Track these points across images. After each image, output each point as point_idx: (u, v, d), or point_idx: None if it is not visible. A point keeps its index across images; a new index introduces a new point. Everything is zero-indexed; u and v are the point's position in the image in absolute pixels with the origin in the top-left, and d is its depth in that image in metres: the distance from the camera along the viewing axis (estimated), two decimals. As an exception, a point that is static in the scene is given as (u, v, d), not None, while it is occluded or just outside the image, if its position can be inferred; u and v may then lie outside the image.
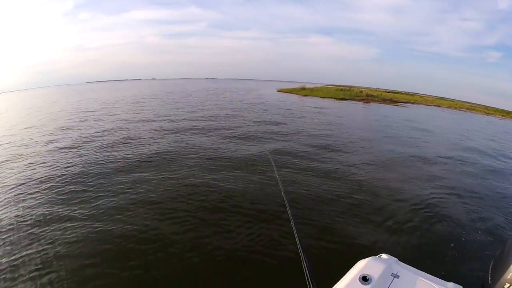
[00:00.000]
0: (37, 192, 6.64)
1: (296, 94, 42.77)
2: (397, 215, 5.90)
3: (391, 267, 1.57)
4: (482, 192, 7.82)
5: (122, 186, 6.84)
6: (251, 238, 4.86)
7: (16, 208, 5.88)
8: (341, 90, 48.36)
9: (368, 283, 1.41)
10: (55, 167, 8.30)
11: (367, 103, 36.16)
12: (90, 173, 7.73)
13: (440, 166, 10.22)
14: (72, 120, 17.03)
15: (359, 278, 1.44)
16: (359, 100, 38.03)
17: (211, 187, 6.83)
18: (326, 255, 4.40)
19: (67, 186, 6.88)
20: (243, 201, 6.11)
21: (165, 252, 4.41)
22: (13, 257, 4.26)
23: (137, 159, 8.88)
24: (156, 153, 9.57)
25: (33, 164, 8.68)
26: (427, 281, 1.49)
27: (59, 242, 4.64)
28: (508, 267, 1.55)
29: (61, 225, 5.14)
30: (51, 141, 11.70)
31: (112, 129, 13.72)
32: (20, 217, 5.44)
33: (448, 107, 46.23)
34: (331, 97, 38.25)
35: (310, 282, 1.63)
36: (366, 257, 1.65)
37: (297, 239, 2.11)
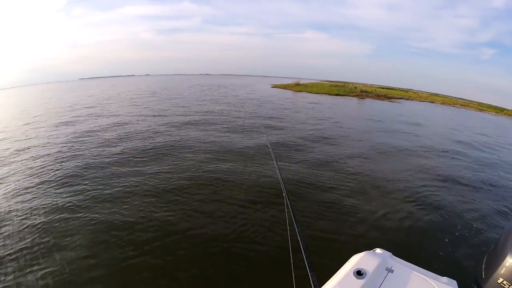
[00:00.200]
0: (36, 185, 6.63)
1: (290, 89, 42.67)
2: (390, 207, 5.95)
3: (386, 261, 1.57)
4: (475, 185, 7.93)
5: (119, 179, 6.83)
6: (247, 228, 4.91)
7: (12, 200, 5.92)
8: (336, 86, 48.47)
9: (363, 277, 1.40)
10: (53, 161, 8.30)
11: (361, 98, 36.31)
12: (86, 166, 7.74)
13: (432, 159, 10.38)
14: (67, 117, 16.79)
15: (353, 273, 1.43)
16: (353, 96, 38.17)
17: (207, 179, 6.90)
18: (321, 246, 4.44)
19: (63, 179, 6.89)
20: (239, 193, 6.19)
21: (162, 241, 4.46)
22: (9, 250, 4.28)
23: (132, 153, 8.88)
24: (151, 147, 9.57)
25: (32, 157, 8.72)
26: (421, 275, 1.49)
27: (55, 234, 4.66)
28: (501, 262, 1.55)
29: (57, 216, 5.16)
30: (47, 137, 11.60)
31: (107, 125, 13.62)
32: (18, 211, 5.45)
33: (442, 103, 46.67)
34: (326, 93, 38.29)
35: (310, 273, 1.61)
36: (361, 252, 1.64)
37: (297, 229, 2.07)
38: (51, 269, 3.85)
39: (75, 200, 5.76)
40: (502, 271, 1.53)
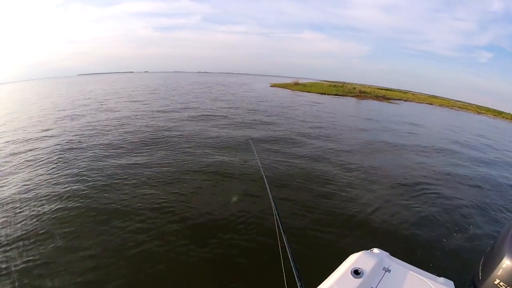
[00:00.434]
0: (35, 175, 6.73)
1: (289, 89, 42.58)
2: (385, 204, 6.01)
3: (383, 261, 1.57)
4: (472, 184, 7.99)
5: (117, 174, 6.83)
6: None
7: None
8: (334, 86, 48.52)
9: (360, 277, 1.40)
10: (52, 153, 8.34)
11: (360, 99, 36.34)
12: (83, 160, 7.73)
13: (429, 157, 10.50)
14: (67, 112, 16.76)
15: (351, 272, 1.44)
16: (352, 96, 38.21)
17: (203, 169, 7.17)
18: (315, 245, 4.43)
19: (60, 172, 6.91)
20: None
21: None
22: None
23: (130, 147, 8.95)
24: (149, 139, 9.76)
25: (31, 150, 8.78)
26: (418, 275, 1.49)
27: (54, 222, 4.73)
28: (498, 263, 1.55)
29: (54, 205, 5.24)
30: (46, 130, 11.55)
31: (107, 119, 13.62)
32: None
33: (440, 105, 46.74)
34: (324, 93, 38.25)
35: (294, 267, 1.59)
36: (358, 251, 1.64)
37: (282, 232, 2.05)
38: (47, 260, 3.88)
39: (74, 193, 5.77)
40: (499, 273, 1.52)
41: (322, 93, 37.97)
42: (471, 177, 8.55)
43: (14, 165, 7.54)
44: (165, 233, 4.52)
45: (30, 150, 8.75)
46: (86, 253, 4.01)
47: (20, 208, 5.22)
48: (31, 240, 4.29)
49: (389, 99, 41.61)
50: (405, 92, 72.66)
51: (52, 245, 4.17)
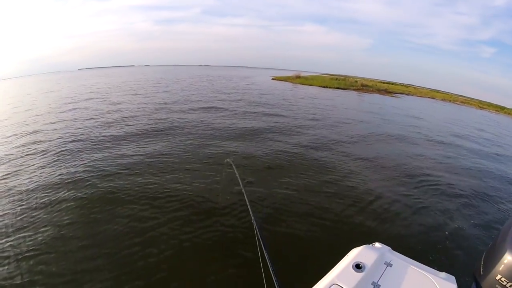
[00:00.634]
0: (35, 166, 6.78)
1: (290, 82, 42.37)
2: (387, 195, 6.01)
3: (384, 255, 1.57)
4: (474, 176, 8.02)
5: (116, 169, 6.76)
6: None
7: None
8: (336, 79, 48.27)
9: (362, 271, 1.40)
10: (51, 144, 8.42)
11: (362, 92, 36.16)
12: (87, 152, 7.80)
13: (431, 149, 10.60)
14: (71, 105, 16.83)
15: (352, 266, 1.44)
16: (354, 90, 38.01)
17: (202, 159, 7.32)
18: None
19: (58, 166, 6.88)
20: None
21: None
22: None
23: (128, 140, 8.97)
24: (150, 131, 9.90)
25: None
26: (419, 270, 1.49)
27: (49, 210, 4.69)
28: (500, 258, 1.55)
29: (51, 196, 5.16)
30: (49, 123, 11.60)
31: (108, 112, 13.71)
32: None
33: (442, 100, 46.54)
34: (326, 86, 38.03)
35: (273, 273, 1.58)
36: (360, 245, 1.64)
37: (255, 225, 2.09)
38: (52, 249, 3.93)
39: (72, 190, 5.75)
40: (501, 268, 1.52)
41: (324, 87, 37.74)
42: (473, 170, 8.59)
43: (20, 157, 7.61)
44: (170, 220, 4.61)
45: (35, 142, 8.83)
46: (88, 242, 4.07)
47: (25, 199, 5.28)
48: (35, 229, 4.33)
49: (391, 92, 41.39)
50: (407, 86, 72.30)
51: (55, 234, 4.22)
